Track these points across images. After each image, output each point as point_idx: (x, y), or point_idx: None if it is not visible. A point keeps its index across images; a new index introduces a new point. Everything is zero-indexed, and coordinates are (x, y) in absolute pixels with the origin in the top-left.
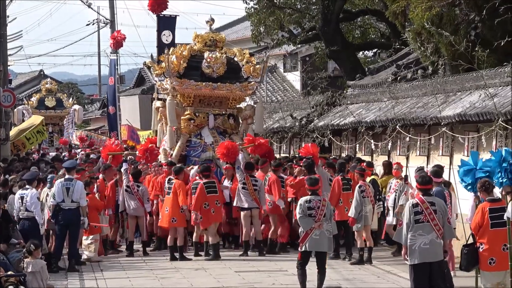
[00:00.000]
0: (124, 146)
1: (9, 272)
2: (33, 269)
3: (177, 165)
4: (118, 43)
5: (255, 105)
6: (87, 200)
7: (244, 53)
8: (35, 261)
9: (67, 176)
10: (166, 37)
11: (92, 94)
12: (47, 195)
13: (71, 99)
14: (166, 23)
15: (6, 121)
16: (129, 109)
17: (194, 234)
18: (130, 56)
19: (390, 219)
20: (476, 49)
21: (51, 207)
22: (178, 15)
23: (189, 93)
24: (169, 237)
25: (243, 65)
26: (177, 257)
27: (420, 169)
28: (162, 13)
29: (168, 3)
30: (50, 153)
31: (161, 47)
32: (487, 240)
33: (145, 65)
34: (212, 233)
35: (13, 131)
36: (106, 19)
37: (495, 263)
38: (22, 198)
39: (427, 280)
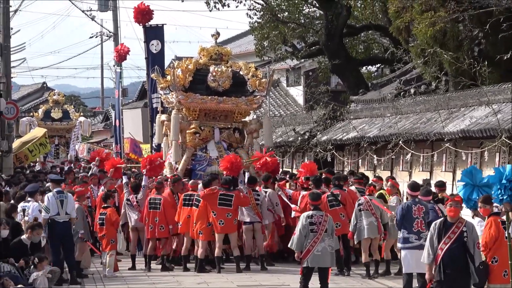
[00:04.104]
0: (127, 158)
1: (19, 286)
2: (40, 285)
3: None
4: (121, 56)
5: (260, 119)
6: (105, 213)
7: (249, 67)
8: (41, 275)
9: (58, 189)
10: (155, 46)
11: (94, 106)
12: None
13: (79, 111)
14: (154, 33)
15: (9, 133)
16: (131, 122)
17: (197, 249)
18: (133, 69)
19: None
20: (479, 65)
21: (42, 221)
22: (165, 24)
23: (195, 106)
24: (199, 249)
25: (248, 79)
26: (207, 268)
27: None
28: (149, 23)
29: (153, 14)
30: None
31: (150, 57)
32: (502, 253)
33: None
34: (218, 245)
35: (15, 143)
36: (110, 32)
37: (508, 275)
38: (23, 210)
39: None
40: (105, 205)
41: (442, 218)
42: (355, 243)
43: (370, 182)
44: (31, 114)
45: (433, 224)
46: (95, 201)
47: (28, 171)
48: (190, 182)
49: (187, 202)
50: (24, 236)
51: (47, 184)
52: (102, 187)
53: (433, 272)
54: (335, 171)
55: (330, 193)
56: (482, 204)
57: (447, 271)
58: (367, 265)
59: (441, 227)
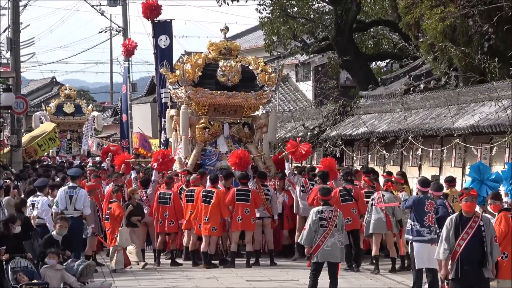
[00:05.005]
0: (135, 153)
1: (34, 281)
2: (51, 280)
3: (199, 173)
4: (129, 51)
5: (270, 114)
6: (110, 208)
7: (258, 62)
8: (51, 271)
9: (71, 184)
10: (164, 41)
11: (103, 101)
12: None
13: (90, 105)
14: (162, 28)
15: (18, 128)
16: (140, 117)
17: (190, 243)
18: (142, 64)
19: None
20: (489, 60)
21: (53, 215)
22: (174, 19)
23: (204, 101)
24: (203, 244)
25: (258, 74)
26: (217, 264)
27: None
28: (157, 18)
29: (161, 9)
30: (75, 162)
31: (159, 52)
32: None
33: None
34: (234, 241)
35: (25, 138)
36: (119, 27)
37: None
38: (33, 205)
39: None
40: (112, 199)
41: (457, 213)
42: (364, 235)
43: (386, 179)
44: (43, 108)
45: (448, 219)
46: (103, 195)
47: (38, 166)
48: (191, 177)
49: (189, 198)
50: (53, 232)
51: (57, 179)
52: (112, 183)
53: (448, 268)
54: (345, 166)
55: (343, 188)
56: (492, 200)
57: (465, 267)
58: (376, 258)
59: (457, 222)
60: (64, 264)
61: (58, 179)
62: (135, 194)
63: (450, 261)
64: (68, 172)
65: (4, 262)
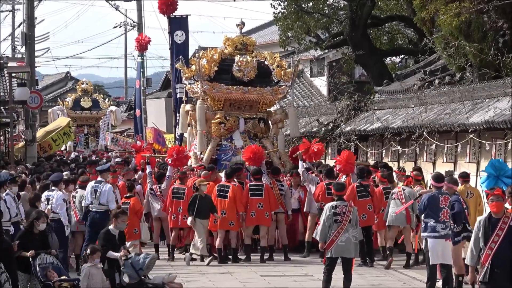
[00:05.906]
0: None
1: (63, 277)
2: (90, 278)
3: (213, 168)
4: (142, 46)
5: (285, 109)
6: (128, 203)
7: (274, 57)
8: (94, 268)
9: (98, 179)
10: (179, 37)
11: (118, 96)
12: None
13: (107, 100)
14: (178, 24)
15: (32, 122)
16: (155, 112)
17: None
18: (157, 59)
19: None
20: (504, 56)
21: (83, 209)
22: (190, 15)
23: (220, 96)
24: (218, 240)
25: (273, 69)
26: (230, 258)
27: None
28: (173, 14)
29: (177, 4)
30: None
31: (174, 47)
32: None
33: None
34: (248, 235)
35: (39, 133)
36: (134, 21)
37: None
38: (48, 199)
39: None
40: (129, 194)
41: (486, 215)
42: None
43: (405, 175)
44: (59, 103)
45: (477, 222)
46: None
47: (53, 160)
48: (203, 173)
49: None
50: (111, 226)
51: (65, 173)
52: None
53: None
54: (358, 162)
55: (359, 184)
56: (510, 194)
57: (496, 270)
58: (390, 249)
59: (486, 225)
60: (129, 257)
61: (66, 173)
62: (201, 186)
63: (481, 264)
64: (96, 168)
65: (31, 259)
